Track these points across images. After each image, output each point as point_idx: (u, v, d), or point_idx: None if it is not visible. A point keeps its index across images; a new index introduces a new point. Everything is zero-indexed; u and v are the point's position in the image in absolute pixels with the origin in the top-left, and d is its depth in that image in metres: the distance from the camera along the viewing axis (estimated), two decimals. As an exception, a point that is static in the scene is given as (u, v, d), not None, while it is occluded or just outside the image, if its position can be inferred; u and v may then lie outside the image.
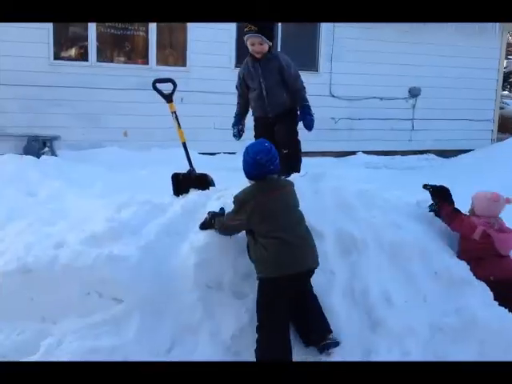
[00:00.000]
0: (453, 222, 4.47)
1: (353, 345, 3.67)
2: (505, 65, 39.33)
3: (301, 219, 3.64)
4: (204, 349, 3.53)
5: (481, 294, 3.99)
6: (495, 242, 4.33)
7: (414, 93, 12.36)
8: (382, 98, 12.01)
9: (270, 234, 3.45)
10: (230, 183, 4.68)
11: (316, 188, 4.27)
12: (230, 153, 10.12)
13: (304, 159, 5.11)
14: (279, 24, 10.72)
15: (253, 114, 5.36)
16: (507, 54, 48.42)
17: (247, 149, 3.67)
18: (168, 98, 5.11)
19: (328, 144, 11.34)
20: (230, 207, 3.85)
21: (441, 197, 4.63)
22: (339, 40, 11.23)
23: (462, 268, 4.14)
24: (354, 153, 11.80)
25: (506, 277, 4.28)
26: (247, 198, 3.54)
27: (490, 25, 12.01)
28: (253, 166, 3.58)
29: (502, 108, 15.43)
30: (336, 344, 3.61)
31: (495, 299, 4.06)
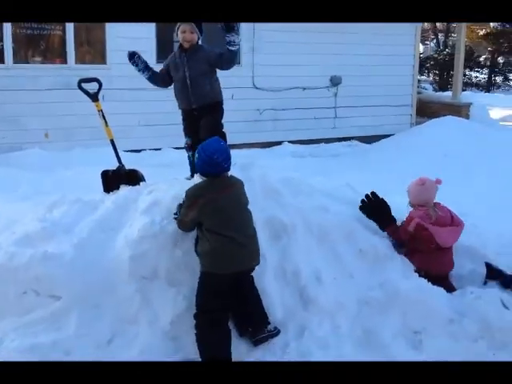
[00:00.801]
0: (399, 235, 4.52)
1: (287, 323, 3.87)
2: (422, 50, 40.61)
3: (250, 219, 3.79)
4: (144, 337, 3.65)
5: (401, 268, 4.25)
6: (435, 234, 4.40)
7: (335, 81, 12.65)
8: (304, 88, 12.25)
9: (222, 231, 3.57)
10: (158, 178, 4.79)
11: (245, 177, 4.41)
12: (155, 149, 10.17)
13: (231, 151, 5.19)
14: (199, 19, 10.79)
15: (179, 107, 5.44)
16: (424, 40, 50.05)
17: (203, 147, 3.77)
18: (94, 97, 5.15)
19: (254, 135, 11.52)
20: (163, 201, 3.97)
21: (379, 217, 4.63)
22: (259, 32, 11.38)
23: (385, 245, 4.39)
24: (279, 143, 11.99)
25: (439, 271, 4.47)
26: (199, 194, 3.66)
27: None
28: (209, 164, 3.69)
29: (419, 93, 16.00)
30: (275, 334, 3.78)
31: None
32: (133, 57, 5.30)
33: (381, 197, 4.70)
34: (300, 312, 3.93)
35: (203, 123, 5.17)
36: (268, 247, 4.09)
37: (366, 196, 4.70)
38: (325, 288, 4.01)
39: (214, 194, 3.64)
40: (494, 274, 4.58)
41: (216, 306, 3.58)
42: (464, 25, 14.94)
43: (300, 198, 4.53)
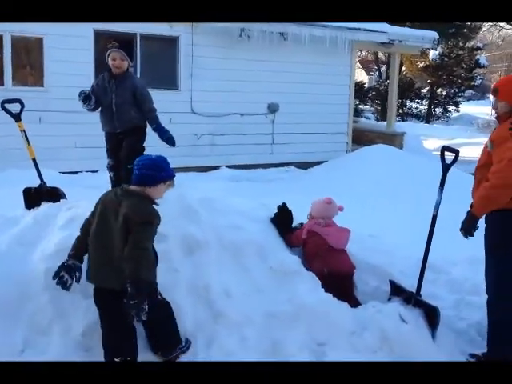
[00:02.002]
0: (291, 241, 5.08)
1: (196, 335, 4.06)
2: (366, 81, 41.49)
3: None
4: (55, 348, 3.78)
5: (309, 283, 4.50)
6: (323, 236, 4.92)
7: (272, 108, 13.01)
8: (242, 114, 12.56)
9: None
10: (83, 197, 4.95)
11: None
12: (92, 171, 10.27)
13: None
14: (138, 43, 11.03)
15: (103, 129, 5.62)
16: (368, 71, 51.22)
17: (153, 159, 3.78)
18: (16, 117, 5.30)
19: (191, 159, 11.74)
20: (81, 217, 4.14)
21: (282, 226, 5.18)
22: (198, 59, 11.68)
23: (293, 261, 4.65)
24: (217, 167, 12.25)
25: (339, 269, 4.85)
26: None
27: (340, 44, 12.88)
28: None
29: (356, 122, 16.52)
30: (185, 350, 3.95)
31: (330, 291, 4.55)
32: (87, 99, 5.47)
33: (289, 209, 5.24)
34: (210, 324, 4.12)
35: (124, 145, 5.37)
36: (181, 261, 4.30)
37: (278, 207, 5.22)
38: (234, 302, 4.23)
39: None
40: (397, 290, 4.89)
41: (111, 318, 3.68)
42: (397, 56, 15.51)
43: (216, 216, 4.76)
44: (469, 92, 37.55)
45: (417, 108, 32.81)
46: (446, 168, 4.73)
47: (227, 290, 4.28)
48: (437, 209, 4.69)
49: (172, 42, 11.60)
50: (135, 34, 10.95)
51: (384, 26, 14.10)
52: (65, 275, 3.67)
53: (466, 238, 4.41)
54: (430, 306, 4.60)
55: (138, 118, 5.52)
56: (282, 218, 5.22)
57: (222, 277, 4.35)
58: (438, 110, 33.47)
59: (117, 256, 3.46)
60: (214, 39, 11.74)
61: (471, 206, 4.37)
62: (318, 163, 13.02)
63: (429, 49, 22.95)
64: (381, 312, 4.44)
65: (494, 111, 4.55)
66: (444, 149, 4.86)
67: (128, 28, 10.34)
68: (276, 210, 5.31)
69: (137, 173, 3.70)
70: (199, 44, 11.65)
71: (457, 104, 33.30)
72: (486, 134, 26.33)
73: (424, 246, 4.77)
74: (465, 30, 25.12)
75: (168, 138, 5.52)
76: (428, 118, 32.47)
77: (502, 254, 4.33)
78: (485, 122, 29.70)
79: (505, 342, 4.35)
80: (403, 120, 30.25)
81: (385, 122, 21.09)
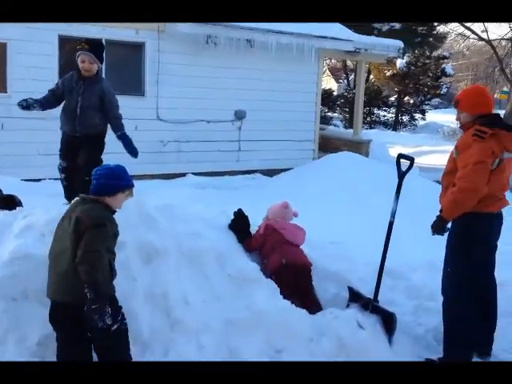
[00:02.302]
0: (252, 244, 5.16)
1: (153, 343, 4.04)
2: (335, 89, 41.77)
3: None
4: (10, 357, 3.73)
5: (267, 290, 4.52)
6: (280, 231, 5.05)
7: (239, 115, 13.01)
8: (208, 121, 12.54)
9: None
10: (40, 205, 4.89)
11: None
12: (55, 179, 10.13)
13: (134, 182, 5.27)
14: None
15: (61, 128, 5.54)
16: (338, 79, 51.48)
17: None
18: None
19: (157, 166, 11.68)
20: (36, 225, 4.09)
21: (239, 232, 5.25)
22: (164, 65, 11.64)
23: (252, 268, 4.67)
24: (183, 174, 12.21)
25: (296, 261, 4.96)
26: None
27: (307, 51, 12.93)
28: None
29: (323, 129, 16.62)
30: None
31: (287, 283, 4.72)
32: (27, 107, 5.42)
33: (246, 215, 5.35)
34: (167, 332, 4.11)
35: (83, 155, 5.31)
36: (139, 269, 4.28)
37: (234, 213, 5.31)
38: (192, 309, 4.23)
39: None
40: (355, 297, 4.94)
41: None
42: (364, 65, 15.68)
43: (175, 223, 4.75)
44: (436, 100, 38.07)
45: (384, 116, 33.15)
46: (401, 175, 4.82)
47: (185, 297, 4.28)
48: (393, 215, 4.77)
49: (138, 48, 11.56)
50: (101, 39, 10.88)
51: (350, 35, 14.25)
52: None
53: (433, 234, 4.56)
54: (387, 312, 4.67)
55: (102, 124, 5.49)
56: (239, 224, 5.27)
57: (180, 284, 4.35)
58: (405, 118, 33.86)
59: (71, 266, 3.39)
60: (181, 46, 11.72)
61: (441, 211, 4.48)
62: (285, 170, 13.06)
63: (396, 57, 23.21)
64: (338, 318, 4.49)
65: (457, 122, 4.74)
66: (399, 156, 4.96)
67: (93, 33, 10.27)
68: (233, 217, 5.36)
69: (95, 182, 3.68)
70: (165, 50, 11.62)
71: (423, 112, 33.75)
72: (451, 141, 26.72)
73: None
74: (431, 39, 25.47)
75: (132, 150, 5.50)
76: (395, 125, 32.83)
77: (462, 257, 4.45)
78: (450, 130, 30.07)
79: (459, 346, 4.44)
80: (371, 128, 30.52)
81: (348, 130, 21.37)
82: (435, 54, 30.98)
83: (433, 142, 25.97)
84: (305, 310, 4.52)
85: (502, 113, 35.36)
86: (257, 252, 5.16)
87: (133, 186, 3.82)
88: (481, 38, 28.00)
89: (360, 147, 14.98)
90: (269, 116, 13.28)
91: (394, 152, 17.92)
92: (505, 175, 4.49)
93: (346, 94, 32.14)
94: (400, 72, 30.29)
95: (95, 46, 5.53)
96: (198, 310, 4.25)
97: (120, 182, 3.71)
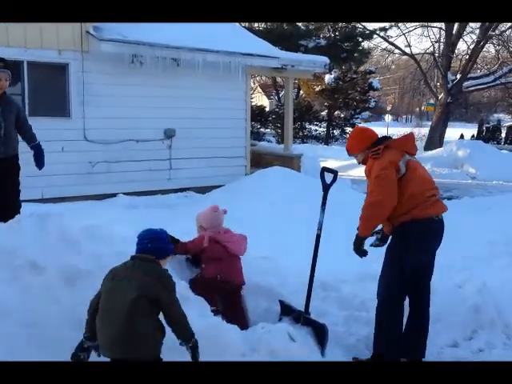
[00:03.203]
0: (186, 247, 5.04)
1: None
2: (267, 105, 42.17)
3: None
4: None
5: (197, 308, 4.44)
6: (224, 243, 4.96)
7: (169, 134, 12.93)
8: (137, 141, 12.42)
9: None
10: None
11: (41, 227, 4.47)
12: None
13: (63, 204, 5.16)
14: (25, 71, 10.73)
15: None
16: (268, 95, 51.94)
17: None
18: None
19: (86, 188, 11.49)
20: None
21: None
22: (89, 85, 11.48)
23: (182, 287, 4.57)
24: (114, 195, 12.02)
25: (232, 281, 4.93)
26: None
27: (234, 69, 13.01)
28: None
29: (254, 145, 16.71)
30: None
31: (221, 299, 4.79)
32: None
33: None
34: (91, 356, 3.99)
35: (11, 183, 5.20)
36: (62, 293, 4.15)
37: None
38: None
39: None
40: (286, 310, 4.93)
41: None
42: (291, 81, 15.87)
43: (99, 244, 4.63)
44: (366, 114, 38.95)
45: (316, 130, 33.73)
46: (326, 188, 4.87)
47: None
48: (320, 228, 4.80)
49: (61, 69, 11.35)
50: (22, 61, 10.66)
51: (277, 52, 14.43)
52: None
53: (361, 257, 4.69)
54: (318, 323, 4.68)
55: (17, 145, 5.36)
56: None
57: (106, 306, 4.23)
58: (336, 132, 34.51)
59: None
60: (106, 66, 11.58)
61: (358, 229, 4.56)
62: (218, 187, 13.03)
63: (323, 73, 23.64)
64: (270, 332, 4.45)
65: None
66: (323, 170, 5.01)
67: (14, 55, 10.04)
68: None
69: (150, 246, 3.68)
70: (90, 71, 11.46)
71: (353, 126, 34.40)
72: (381, 153, 27.31)
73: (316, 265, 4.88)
74: (356, 55, 26.11)
75: (43, 162, 5.38)
76: (327, 139, 33.42)
77: (396, 263, 4.55)
78: (380, 142, 30.76)
79: (388, 343, 4.56)
80: (303, 142, 30.97)
81: (279, 145, 21.57)
82: (362, 68, 31.76)
83: (363, 154, 26.45)
84: (236, 326, 4.48)
85: (428, 124, 36.55)
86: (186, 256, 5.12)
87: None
88: (404, 53, 28.87)
89: (291, 162, 15.10)
90: (199, 134, 13.26)
91: (328, 165, 18.19)
92: (419, 173, 4.60)
93: (277, 109, 32.52)
94: (329, 87, 30.91)
95: (7, 63, 5.38)
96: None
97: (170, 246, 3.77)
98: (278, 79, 35.86)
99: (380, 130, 39.46)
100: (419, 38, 35.60)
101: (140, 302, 3.36)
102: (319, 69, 15.48)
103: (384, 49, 32.06)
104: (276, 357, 4.31)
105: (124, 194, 12.15)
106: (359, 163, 4.89)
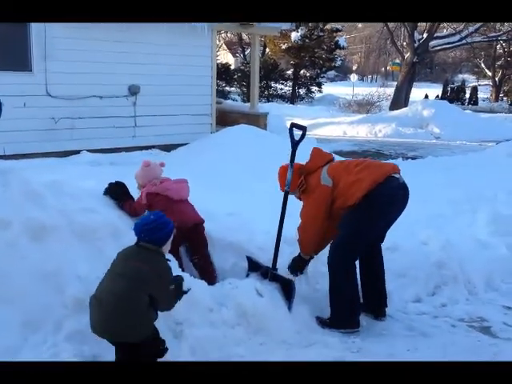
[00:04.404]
0: (135, 208, 5.00)
1: (46, 321, 3.89)
2: (232, 63, 41.78)
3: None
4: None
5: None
6: (163, 193, 4.93)
7: (133, 90, 12.73)
8: (101, 97, 12.21)
9: None
10: None
11: (2, 182, 4.38)
12: None
13: (25, 161, 4.99)
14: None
15: None
16: (234, 53, 51.42)
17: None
18: None
19: (50, 144, 11.31)
20: None
21: (118, 195, 5.10)
22: (52, 39, 11.18)
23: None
24: (78, 152, 11.84)
25: (185, 221, 4.88)
26: None
27: (199, 24, 12.80)
28: None
29: (219, 103, 16.56)
30: None
31: (188, 248, 4.99)
32: None
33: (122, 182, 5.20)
34: (60, 309, 3.97)
35: None
36: (28, 248, 4.09)
37: (109, 183, 5.17)
38: (87, 285, 4.08)
39: None
40: (254, 266, 4.95)
41: None
42: (257, 38, 15.69)
43: (65, 200, 4.57)
44: (332, 73, 38.90)
45: (281, 89, 33.53)
46: (294, 144, 4.85)
47: (79, 273, 4.13)
48: (288, 184, 4.78)
49: (22, 23, 10.99)
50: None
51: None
52: None
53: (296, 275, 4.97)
54: (286, 279, 4.71)
55: None
56: (116, 190, 5.12)
57: (73, 260, 4.19)
58: (302, 91, 34.40)
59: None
60: (69, 19, 11.25)
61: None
62: (183, 145, 12.90)
63: (290, 30, 23.40)
64: (237, 288, 4.48)
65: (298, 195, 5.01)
66: (292, 125, 4.98)
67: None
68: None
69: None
70: (51, 24, 11.12)
71: (319, 85, 34.40)
72: (346, 113, 27.44)
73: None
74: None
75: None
76: (293, 98, 33.29)
77: (353, 229, 4.62)
78: (346, 102, 30.83)
79: (343, 303, 4.69)
80: (269, 101, 30.80)
81: (245, 103, 21.43)
82: (328, 26, 31.51)
83: (329, 113, 26.53)
84: (204, 281, 4.49)
85: (394, 84, 36.63)
86: None
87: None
88: (371, 11, 28.63)
89: (257, 120, 15.04)
90: (164, 91, 13.09)
91: (291, 124, 18.18)
92: (340, 168, 4.80)
93: (243, 68, 32.21)
94: (295, 45, 30.61)
95: None
96: (93, 286, 4.11)
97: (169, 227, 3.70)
98: (244, 36, 35.50)
99: (346, 89, 39.47)
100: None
101: (133, 287, 3.40)
102: (286, 25, 15.35)
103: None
104: (243, 312, 4.35)
105: (88, 151, 11.98)
106: (299, 198, 5.01)
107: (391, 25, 29.90)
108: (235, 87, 32.62)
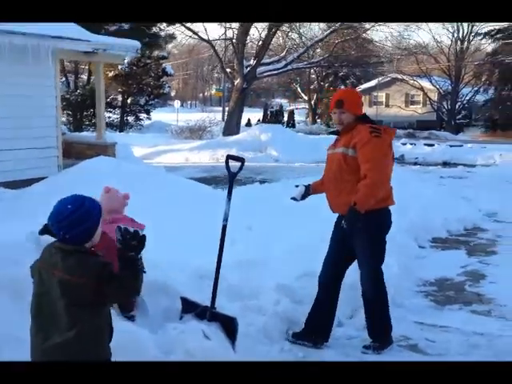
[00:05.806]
0: None
1: None
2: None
3: None
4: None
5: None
6: (111, 234, 4.39)
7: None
8: None
9: None
10: None
11: None
12: None
13: None
14: None
15: None
16: (90, 75, 49.50)
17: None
18: None
19: None
20: None
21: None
22: None
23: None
24: None
25: None
26: None
27: (43, 53, 12.11)
28: None
29: (63, 133, 15.77)
30: None
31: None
32: None
33: None
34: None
35: None
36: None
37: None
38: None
39: None
40: (189, 307, 4.71)
41: None
42: (102, 65, 15.26)
43: None
44: (160, 99, 38.98)
45: (110, 117, 32.84)
46: (232, 176, 4.73)
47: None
48: (226, 219, 4.65)
49: None
50: None
51: (88, 35, 13.72)
52: None
53: (350, 232, 4.63)
54: (228, 317, 4.54)
55: None
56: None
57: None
58: (131, 119, 33.98)
59: None
60: None
61: (354, 204, 4.50)
62: (30, 181, 11.95)
63: (136, 58, 23.07)
64: (184, 333, 4.25)
65: (336, 123, 4.86)
66: (228, 157, 4.88)
67: None
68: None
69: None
70: None
71: (148, 112, 34.23)
72: (180, 139, 27.48)
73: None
74: (160, 40, 25.77)
75: None
76: (121, 126, 32.77)
77: (377, 248, 4.79)
78: (178, 128, 30.89)
79: (386, 327, 4.95)
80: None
81: (85, 133, 20.72)
82: (154, 54, 31.49)
83: (164, 140, 26.44)
84: (146, 331, 4.20)
85: (219, 109, 37.45)
86: None
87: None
88: (201, 39, 29.09)
89: (106, 150, 14.49)
90: (6, 124, 12.15)
91: (136, 153, 17.81)
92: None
93: (67, 96, 31.06)
94: (123, 72, 30.20)
95: None
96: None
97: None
98: (66, 63, 34.34)
99: (170, 115, 39.58)
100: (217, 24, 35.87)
101: (71, 307, 2.77)
102: (131, 53, 15.06)
103: (182, 32, 31.89)
104: (192, 356, 4.12)
105: None
106: (338, 121, 4.80)
107: (218, 51, 30.57)
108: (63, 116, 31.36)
